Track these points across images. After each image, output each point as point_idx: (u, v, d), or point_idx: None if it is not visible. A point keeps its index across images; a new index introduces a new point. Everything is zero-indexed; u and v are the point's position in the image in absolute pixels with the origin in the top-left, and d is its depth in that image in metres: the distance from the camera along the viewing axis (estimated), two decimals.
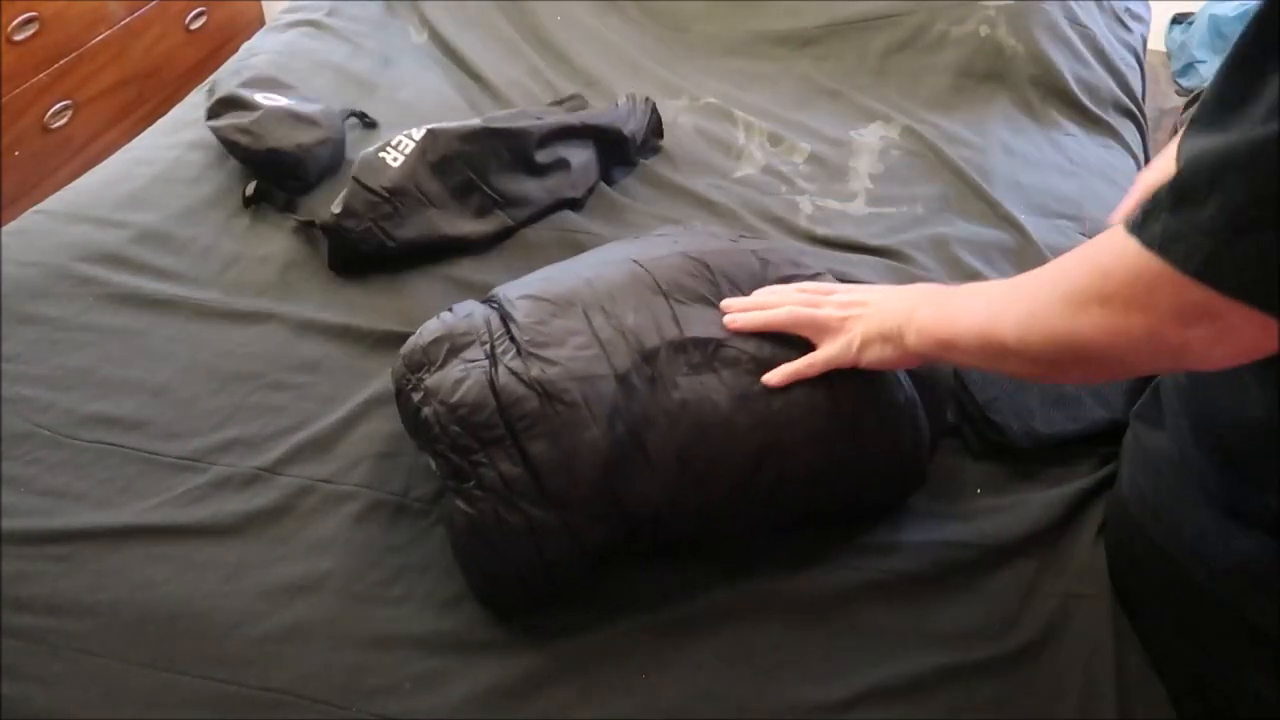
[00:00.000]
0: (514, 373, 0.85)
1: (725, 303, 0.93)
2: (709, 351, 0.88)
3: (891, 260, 1.25)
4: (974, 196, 1.37)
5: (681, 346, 0.88)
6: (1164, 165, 0.95)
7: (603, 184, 1.37)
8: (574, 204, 1.33)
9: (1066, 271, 0.67)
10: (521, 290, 0.94)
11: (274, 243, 1.27)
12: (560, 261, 1.06)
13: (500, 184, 1.28)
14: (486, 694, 0.81)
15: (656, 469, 0.84)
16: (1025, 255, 1.25)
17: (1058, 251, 1.24)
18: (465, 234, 1.25)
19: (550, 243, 1.27)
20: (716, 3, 1.77)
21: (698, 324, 0.90)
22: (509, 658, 0.83)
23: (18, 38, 1.87)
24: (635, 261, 0.96)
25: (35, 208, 1.33)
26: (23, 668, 0.82)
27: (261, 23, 2.47)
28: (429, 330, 0.93)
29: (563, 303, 0.91)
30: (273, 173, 1.32)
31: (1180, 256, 0.55)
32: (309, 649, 0.84)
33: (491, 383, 0.85)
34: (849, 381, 0.87)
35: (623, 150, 1.39)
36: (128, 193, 1.34)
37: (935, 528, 0.93)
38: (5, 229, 1.29)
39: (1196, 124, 0.56)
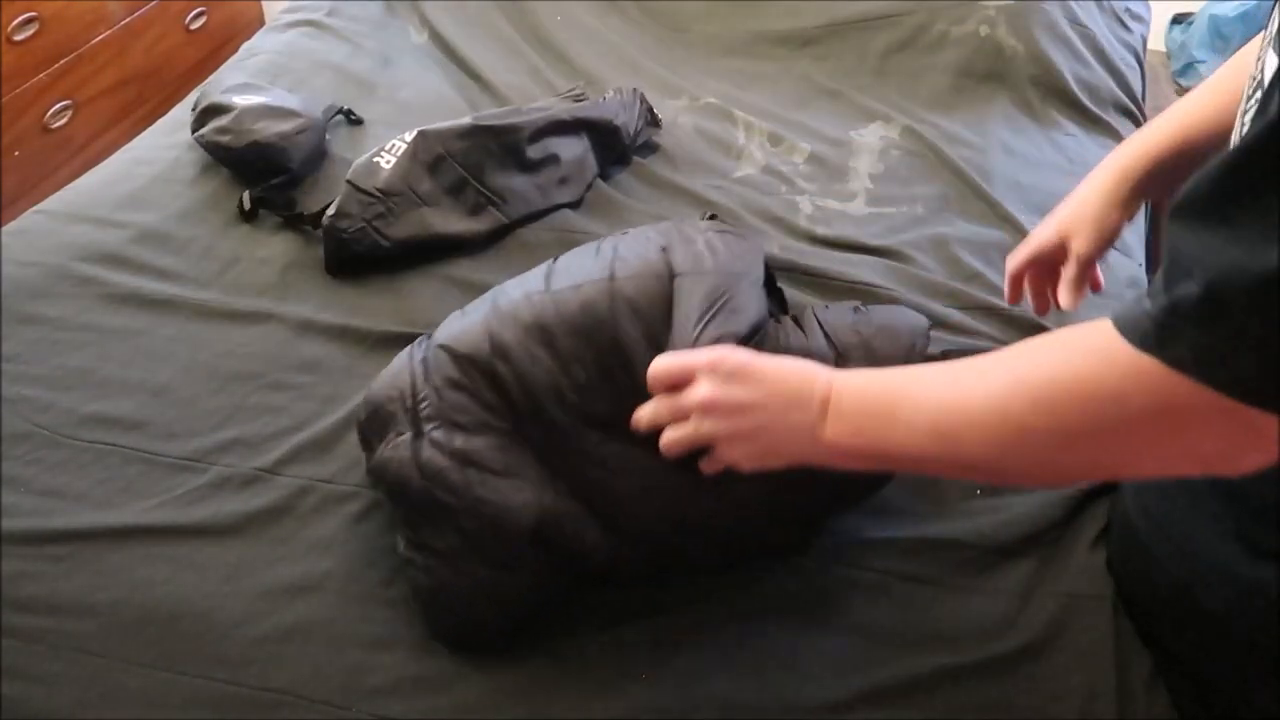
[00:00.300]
0: (436, 445, 0.85)
1: (634, 418, 0.79)
2: (615, 428, 0.83)
3: (891, 260, 1.25)
4: (974, 196, 1.37)
5: (587, 420, 0.86)
6: (1080, 204, 0.94)
7: (600, 182, 1.38)
8: (572, 203, 1.33)
9: (1053, 399, 0.58)
10: (444, 333, 0.92)
11: (274, 243, 1.27)
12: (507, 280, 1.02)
13: (492, 181, 1.28)
14: (486, 694, 0.81)
15: (591, 528, 0.85)
16: None
17: None
18: (459, 232, 1.25)
19: (549, 243, 1.27)
20: (716, 3, 1.77)
21: (599, 387, 0.86)
22: (509, 658, 0.83)
23: (18, 38, 1.87)
24: (546, 291, 0.91)
25: (35, 208, 1.33)
26: (23, 668, 0.82)
27: (261, 23, 2.47)
28: (366, 400, 0.92)
29: (474, 355, 0.88)
30: (259, 167, 1.32)
31: (1227, 380, 0.50)
32: (309, 649, 0.84)
33: (416, 457, 0.85)
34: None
35: (616, 143, 1.39)
36: (128, 193, 1.34)
37: (935, 528, 0.93)
38: (5, 229, 1.29)
39: (1192, 213, 0.51)
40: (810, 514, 0.91)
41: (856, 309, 0.95)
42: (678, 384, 0.75)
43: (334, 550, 0.91)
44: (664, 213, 1.32)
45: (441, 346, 0.90)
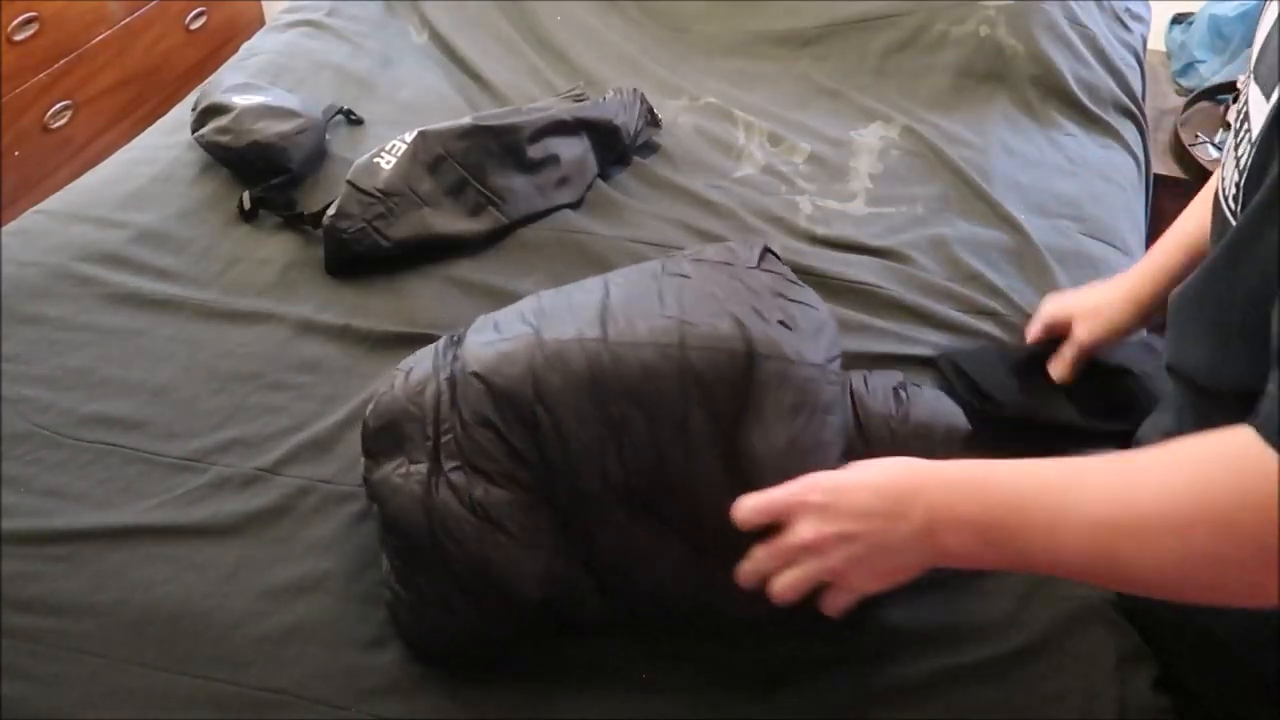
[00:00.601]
0: (454, 488, 0.80)
1: (739, 573, 0.74)
2: (651, 511, 0.80)
3: (891, 260, 1.25)
4: (974, 196, 1.37)
5: (623, 495, 0.80)
6: (1096, 293, 0.99)
7: (600, 182, 1.38)
8: (573, 203, 1.33)
9: (1231, 522, 0.54)
10: (479, 358, 0.84)
11: (274, 243, 1.27)
12: (553, 282, 0.99)
13: (492, 181, 1.28)
14: (486, 694, 0.81)
15: (594, 599, 0.82)
16: (1025, 255, 1.25)
17: (1056, 252, 1.25)
18: (459, 232, 1.25)
19: (549, 243, 1.27)
20: (716, 3, 1.77)
21: (645, 464, 0.79)
22: (509, 659, 0.83)
23: (18, 38, 1.87)
24: (603, 340, 0.83)
25: (35, 208, 1.33)
26: (23, 668, 0.82)
27: (261, 23, 2.47)
28: (380, 408, 0.86)
29: (514, 395, 0.81)
30: (259, 167, 1.32)
31: None
32: (309, 649, 0.84)
33: (428, 496, 0.80)
34: None
35: (616, 143, 1.39)
36: (128, 193, 1.34)
37: None
38: (5, 229, 1.29)
39: None
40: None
41: (898, 391, 0.86)
42: (770, 524, 0.72)
43: (334, 550, 0.91)
44: (664, 213, 1.32)
45: (477, 375, 0.83)
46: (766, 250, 0.94)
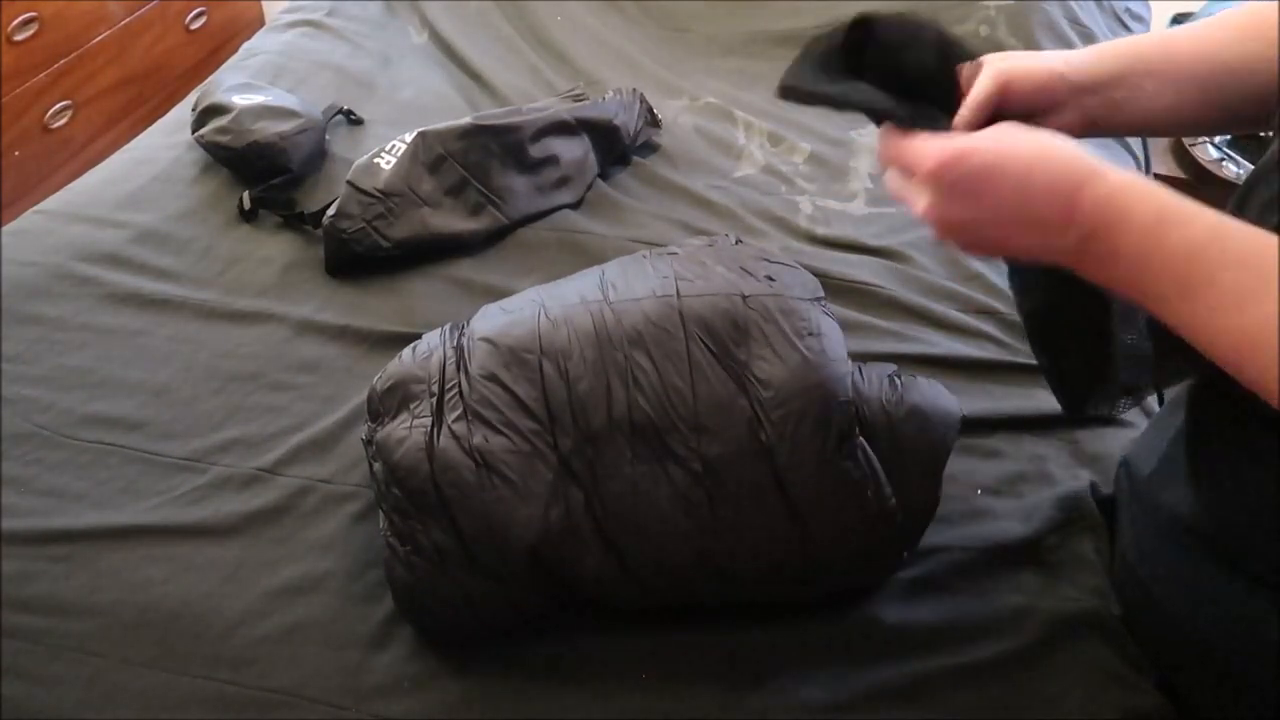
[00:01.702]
0: (455, 436, 0.82)
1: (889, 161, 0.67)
2: (656, 446, 0.81)
3: (891, 260, 1.25)
4: None
5: (629, 432, 0.82)
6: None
7: (600, 182, 1.38)
8: (573, 203, 1.34)
9: None
10: (486, 326, 0.90)
11: (274, 243, 1.27)
12: (552, 281, 1.00)
13: (492, 181, 1.29)
14: (486, 694, 0.81)
15: (593, 552, 0.82)
16: None
17: None
18: (458, 231, 1.25)
19: (549, 243, 1.27)
20: (716, 3, 1.78)
21: (651, 398, 0.82)
22: (509, 658, 0.83)
23: (18, 38, 1.87)
24: (605, 302, 0.88)
25: (35, 208, 1.33)
26: (23, 668, 0.82)
27: (261, 23, 2.47)
28: (388, 373, 0.89)
29: (520, 351, 0.85)
30: (259, 167, 1.32)
31: None
32: (309, 649, 0.84)
33: (430, 445, 0.82)
34: (807, 496, 0.80)
35: (616, 143, 1.39)
36: (128, 193, 1.34)
37: (935, 529, 0.92)
38: (5, 229, 1.29)
39: None
40: (830, 575, 0.85)
41: (893, 379, 0.88)
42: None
43: (334, 550, 0.91)
44: (664, 212, 1.32)
45: (485, 339, 0.87)
46: (740, 242, 1.00)
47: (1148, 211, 0.56)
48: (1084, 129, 0.74)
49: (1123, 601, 0.85)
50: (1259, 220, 0.62)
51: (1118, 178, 0.57)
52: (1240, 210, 0.68)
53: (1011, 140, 0.61)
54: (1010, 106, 0.70)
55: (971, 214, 0.61)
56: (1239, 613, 0.72)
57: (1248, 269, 0.52)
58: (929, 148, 0.62)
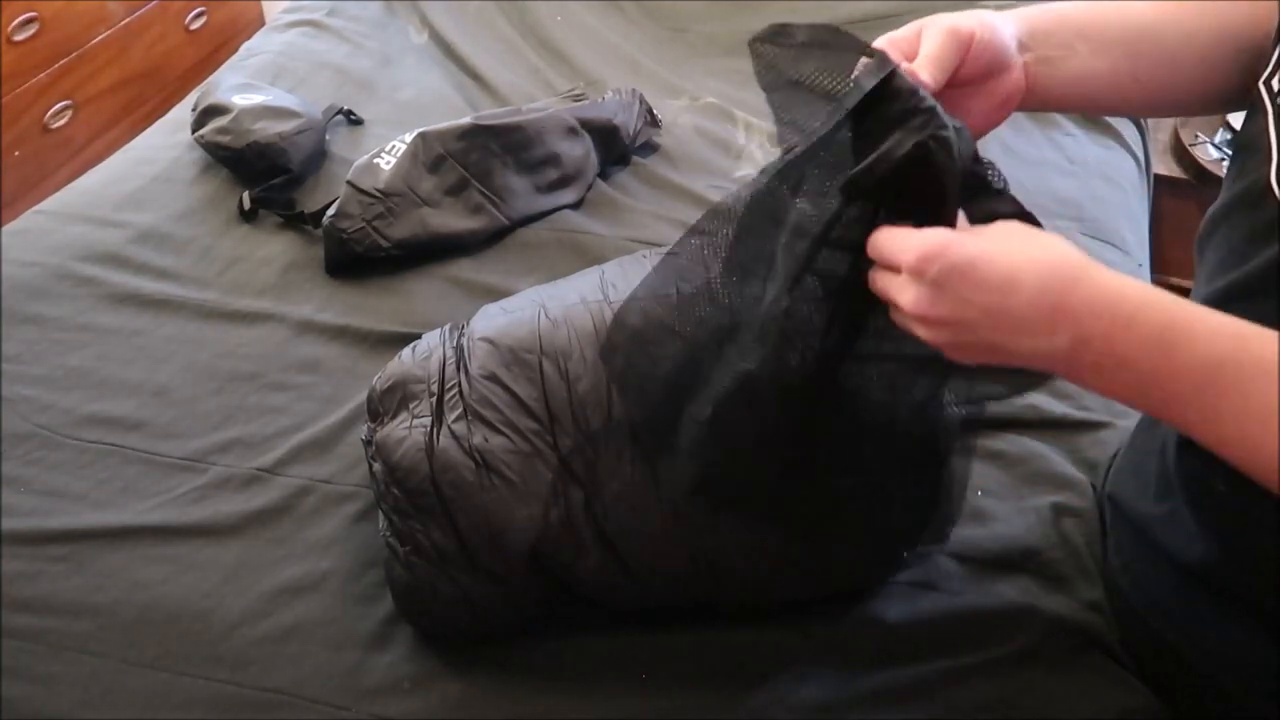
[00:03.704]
0: (455, 436, 0.82)
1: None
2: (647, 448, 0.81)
3: None
4: None
5: (629, 432, 0.81)
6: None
7: (600, 182, 1.38)
8: (573, 203, 1.34)
9: None
10: (487, 326, 0.90)
11: (274, 243, 1.27)
12: (552, 281, 1.00)
13: (492, 181, 1.29)
14: (486, 694, 0.81)
15: (593, 552, 0.81)
16: None
17: None
18: (458, 231, 1.25)
19: (549, 243, 1.27)
20: (716, 3, 1.77)
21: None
22: (509, 658, 0.83)
23: (18, 38, 1.87)
24: (605, 301, 0.89)
25: (35, 208, 1.33)
26: (23, 668, 0.82)
27: (261, 23, 2.47)
28: (387, 373, 0.90)
29: (521, 350, 0.85)
30: (259, 167, 1.32)
31: None
32: (309, 649, 0.84)
33: (430, 446, 0.82)
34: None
35: (616, 143, 1.39)
36: (128, 193, 1.34)
37: None
38: (5, 229, 1.29)
39: None
40: (830, 575, 0.86)
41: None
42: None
43: (334, 550, 0.91)
44: (664, 213, 1.32)
45: (485, 339, 0.87)
46: None
47: (1152, 321, 0.54)
48: (1027, 94, 0.72)
49: (1118, 625, 0.84)
50: (1218, 269, 0.64)
51: (1112, 278, 0.56)
52: (1201, 254, 0.69)
53: (1003, 235, 0.60)
54: (965, 69, 0.69)
55: (958, 312, 0.57)
56: (1247, 650, 0.71)
57: (1272, 377, 0.51)
58: (911, 241, 0.58)
